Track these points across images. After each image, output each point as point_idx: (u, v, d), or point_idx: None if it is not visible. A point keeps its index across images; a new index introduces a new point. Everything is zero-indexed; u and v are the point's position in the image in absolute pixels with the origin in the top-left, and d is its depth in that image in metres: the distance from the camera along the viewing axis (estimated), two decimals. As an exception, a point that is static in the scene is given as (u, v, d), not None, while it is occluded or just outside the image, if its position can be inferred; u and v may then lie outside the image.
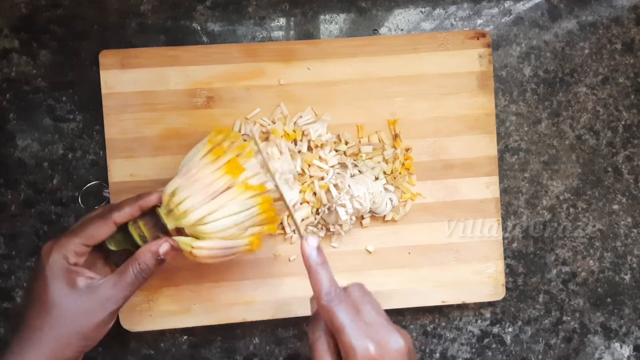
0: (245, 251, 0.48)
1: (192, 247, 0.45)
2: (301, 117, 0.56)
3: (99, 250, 0.47)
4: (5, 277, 0.57)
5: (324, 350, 0.42)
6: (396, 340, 0.40)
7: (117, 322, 0.54)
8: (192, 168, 0.46)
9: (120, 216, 0.46)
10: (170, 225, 0.46)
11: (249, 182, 0.46)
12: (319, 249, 0.43)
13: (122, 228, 0.46)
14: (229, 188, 0.45)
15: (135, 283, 0.45)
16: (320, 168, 0.55)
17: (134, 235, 0.46)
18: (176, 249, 0.46)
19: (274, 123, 0.56)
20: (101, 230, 0.45)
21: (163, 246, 0.45)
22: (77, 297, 0.44)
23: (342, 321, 0.40)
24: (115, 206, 0.47)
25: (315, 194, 0.55)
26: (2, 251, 0.57)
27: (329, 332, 0.42)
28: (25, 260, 0.57)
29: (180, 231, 0.46)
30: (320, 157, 0.55)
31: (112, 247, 0.47)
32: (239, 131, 0.56)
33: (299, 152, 0.55)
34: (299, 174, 0.55)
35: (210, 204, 0.45)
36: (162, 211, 0.46)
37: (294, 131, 0.55)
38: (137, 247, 0.46)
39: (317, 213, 0.56)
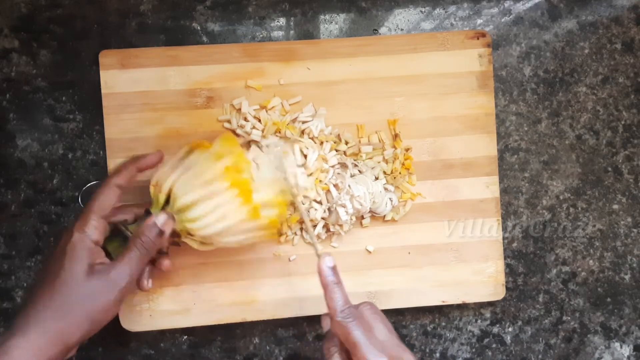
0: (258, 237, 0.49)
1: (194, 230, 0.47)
2: (302, 112, 0.56)
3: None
4: (5, 277, 0.57)
5: None
6: (409, 358, 0.43)
7: (117, 322, 0.54)
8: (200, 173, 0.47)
9: (119, 178, 0.48)
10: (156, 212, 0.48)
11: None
12: (334, 268, 0.46)
13: (115, 234, 0.47)
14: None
15: (140, 258, 0.46)
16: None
17: (127, 232, 0.47)
18: (173, 220, 0.47)
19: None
20: (108, 197, 0.47)
21: (160, 217, 0.47)
22: (91, 278, 0.44)
23: (357, 338, 0.43)
24: (113, 172, 0.48)
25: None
26: (2, 251, 0.57)
27: (343, 349, 0.45)
28: (25, 260, 0.57)
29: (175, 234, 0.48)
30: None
31: (110, 250, 0.48)
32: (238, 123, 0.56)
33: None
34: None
35: (200, 193, 0.47)
36: (153, 209, 0.48)
37: (288, 125, 0.55)
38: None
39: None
